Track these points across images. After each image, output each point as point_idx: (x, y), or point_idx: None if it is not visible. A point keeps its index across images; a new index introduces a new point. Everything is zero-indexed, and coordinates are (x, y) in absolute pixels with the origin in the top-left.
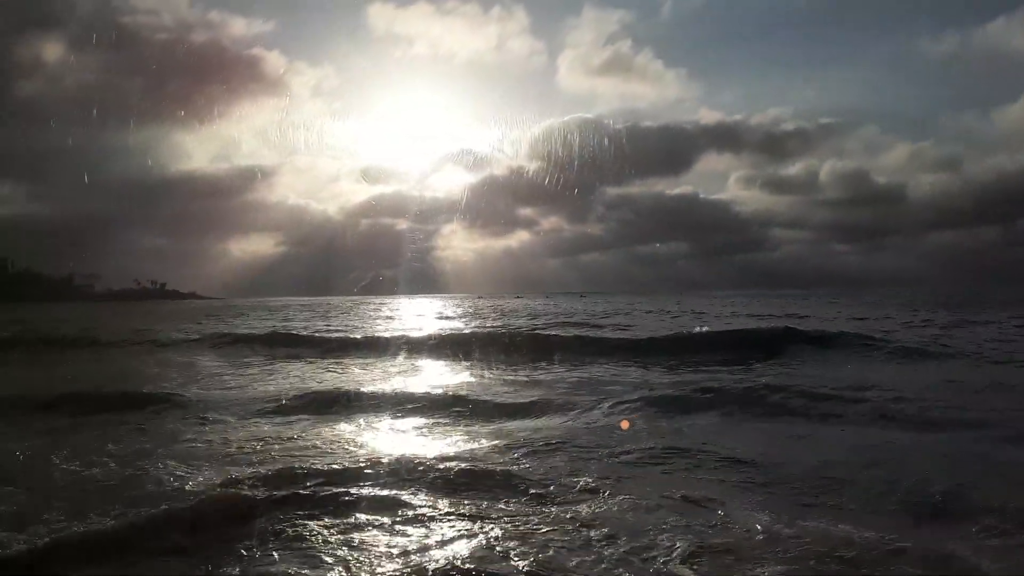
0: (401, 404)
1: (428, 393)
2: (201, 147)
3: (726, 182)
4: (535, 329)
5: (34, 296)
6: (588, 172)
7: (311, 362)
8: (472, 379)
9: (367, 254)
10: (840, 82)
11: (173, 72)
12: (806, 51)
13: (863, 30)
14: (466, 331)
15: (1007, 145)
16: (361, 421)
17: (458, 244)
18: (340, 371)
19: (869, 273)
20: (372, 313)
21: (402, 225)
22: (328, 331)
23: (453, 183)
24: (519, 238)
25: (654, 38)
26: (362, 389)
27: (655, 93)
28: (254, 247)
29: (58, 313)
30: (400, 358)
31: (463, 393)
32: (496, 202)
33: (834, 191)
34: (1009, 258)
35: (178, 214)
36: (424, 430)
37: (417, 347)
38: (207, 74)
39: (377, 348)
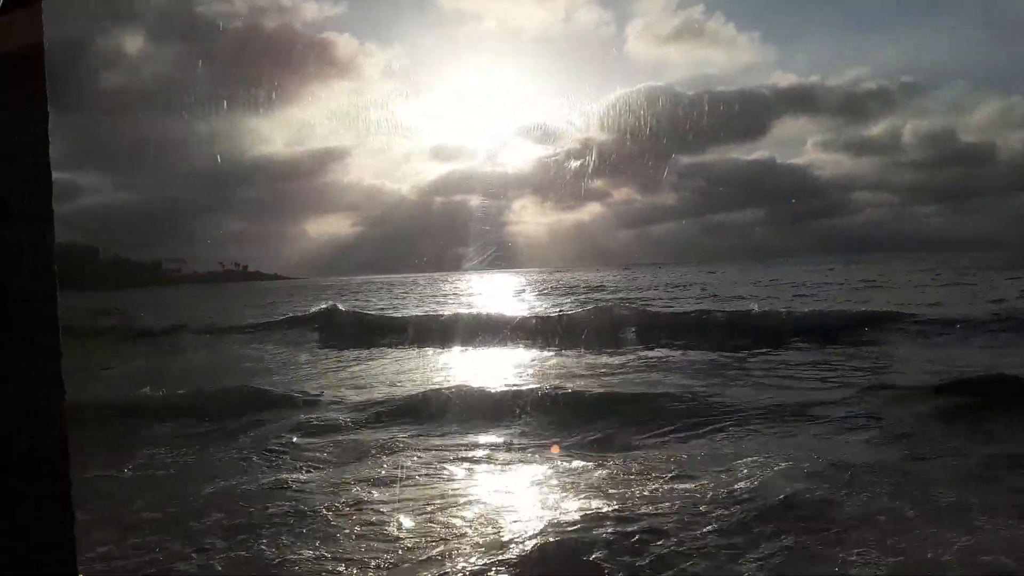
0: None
1: None
2: (277, 131)
3: (803, 146)
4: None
5: (124, 282)
6: (660, 141)
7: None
8: None
9: (441, 231)
10: (923, 38)
11: (248, 58)
12: (885, 7)
13: None
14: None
15: None
16: None
17: (529, 218)
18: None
19: (956, 236)
20: (474, 289)
21: (474, 202)
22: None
23: (523, 158)
24: (590, 211)
25: (726, 2)
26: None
27: (728, 58)
28: (331, 228)
29: (149, 298)
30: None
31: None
32: (566, 175)
33: (918, 152)
34: None
35: (257, 198)
36: None
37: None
38: (280, 59)
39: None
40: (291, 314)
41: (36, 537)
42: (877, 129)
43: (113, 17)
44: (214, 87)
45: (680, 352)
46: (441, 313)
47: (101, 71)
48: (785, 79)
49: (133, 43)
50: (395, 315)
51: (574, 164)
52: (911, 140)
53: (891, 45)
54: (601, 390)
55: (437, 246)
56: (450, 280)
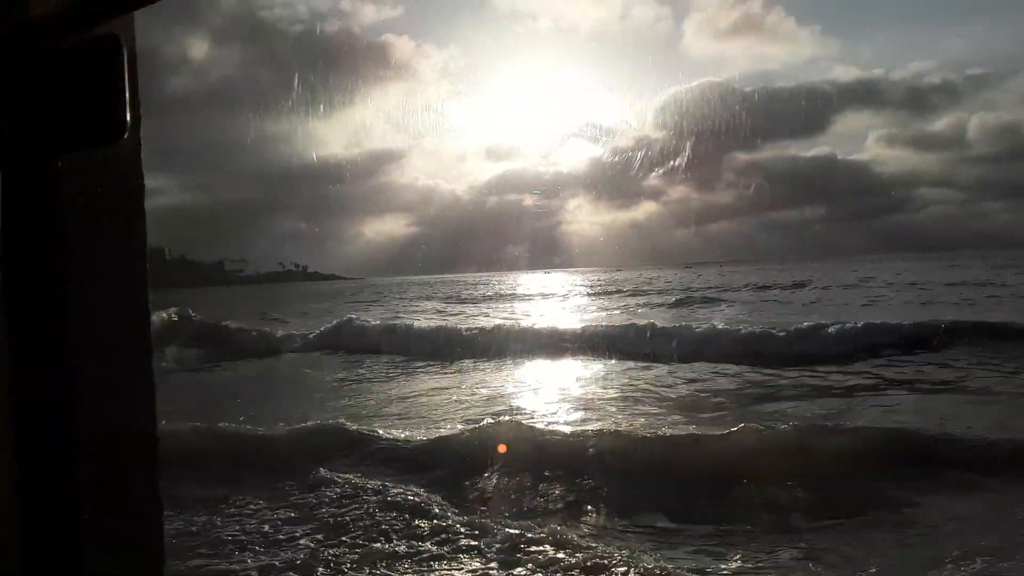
0: None
1: None
2: (335, 133)
3: (865, 142)
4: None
5: (189, 282)
6: (716, 138)
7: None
8: None
9: (495, 231)
10: (990, 29)
11: (308, 61)
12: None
13: None
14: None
15: None
16: None
17: (584, 218)
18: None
19: None
20: (543, 291)
21: (528, 201)
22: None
23: (578, 157)
24: (646, 209)
25: None
26: None
27: (788, 52)
28: (388, 228)
29: (216, 296)
30: None
31: None
32: (621, 173)
33: (985, 146)
34: None
35: (316, 199)
36: None
37: None
38: (339, 61)
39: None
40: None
41: (128, 535)
42: (941, 123)
43: (180, 22)
44: (275, 90)
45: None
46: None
47: (166, 76)
48: (847, 73)
49: (198, 47)
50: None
51: (629, 162)
52: (977, 134)
53: (955, 37)
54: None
55: (491, 246)
56: (501, 281)
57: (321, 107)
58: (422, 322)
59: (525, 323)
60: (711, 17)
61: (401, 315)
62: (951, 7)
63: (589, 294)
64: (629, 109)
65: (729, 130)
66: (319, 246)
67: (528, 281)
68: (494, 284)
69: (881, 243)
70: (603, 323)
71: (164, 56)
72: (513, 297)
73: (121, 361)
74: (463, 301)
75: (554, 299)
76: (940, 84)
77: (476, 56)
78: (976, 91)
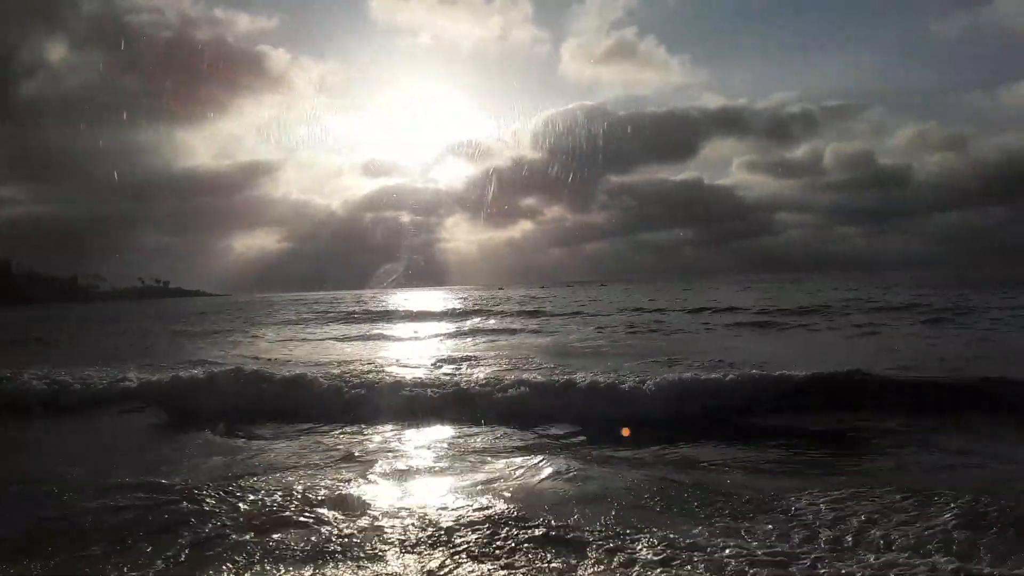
0: None
1: None
2: (204, 144)
3: (730, 167)
4: None
5: (39, 298)
6: (591, 160)
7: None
8: None
9: (371, 248)
10: (846, 64)
11: (177, 70)
12: (811, 34)
13: (870, 11)
14: None
15: (1014, 123)
16: None
17: (461, 236)
18: None
19: (875, 255)
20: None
21: (405, 218)
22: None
23: (456, 175)
24: (522, 228)
25: (658, 24)
26: None
27: (659, 79)
28: (258, 243)
29: (54, 313)
30: None
31: None
32: (499, 193)
33: (839, 174)
34: (1016, 237)
35: (181, 212)
36: None
37: None
38: (211, 71)
39: None
40: None
41: None
42: (800, 151)
43: (38, 25)
44: (141, 98)
45: None
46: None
47: (21, 80)
48: (714, 101)
49: (57, 51)
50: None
51: (506, 182)
52: (832, 162)
53: (815, 70)
54: None
55: (368, 263)
56: (373, 298)
57: (189, 117)
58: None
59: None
60: (587, 42)
61: (218, 337)
62: (812, 39)
63: (457, 314)
64: (507, 129)
65: (603, 153)
66: (184, 261)
67: (400, 300)
68: (365, 302)
69: (745, 265)
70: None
71: (17, 59)
72: (370, 317)
73: None
74: (326, 320)
75: (411, 322)
76: (800, 114)
77: (355, 70)
78: (832, 122)
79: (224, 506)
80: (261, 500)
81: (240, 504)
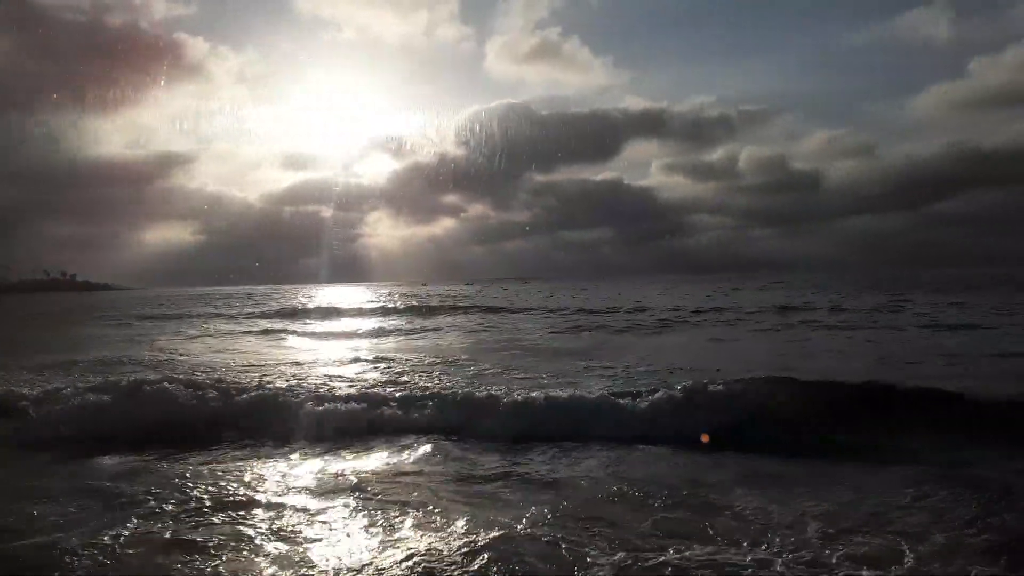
0: None
1: None
2: (116, 133)
3: (650, 168)
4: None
5: None
6: (514, 159)
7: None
8: None
9: (290, 242)
10: (762, 71)
11: (87, 55)
12: (730, 40)
13: (786, 20)
14: None
15: (918, 132)
16: None
17: (383, 231)
18: None
19: (788, 257)
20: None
21: (326, 213)
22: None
23: (379, 170)
24: (444, 225)
25: (582, 25)
26: None
27: (583, 80)
28: (172, 235)
29: None
30: None
31: None
32: (422, 189)
33: (754, 177)
34: (920, 241)
35: (91, 202)
36: None
37: None
38: (124, 58)
39: None
40: None
41: None
42: (717, 154)
43: None
44: (48, 83)
45: None
46: None
47: None
48: (636, 104)
49: None
50: None
51: (430, 178)
52: (748, 166)
53: (733, 75)
54: None
55: (287, 257)
56: (289, 294)
57: (101, 104)
58: None
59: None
60: (512, 41)
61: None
62: (731, 45)
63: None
64: (431, 124)
65: (526, 151)
66: (93, 253)
67: (318, 295)
68: (280, 298)
69: (664, 264)
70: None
71: None
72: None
73: None
74: (234, 318)
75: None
76: (717, 117)
77: (276, 62)
78: (748, 126)
79: None
80: None
81: None
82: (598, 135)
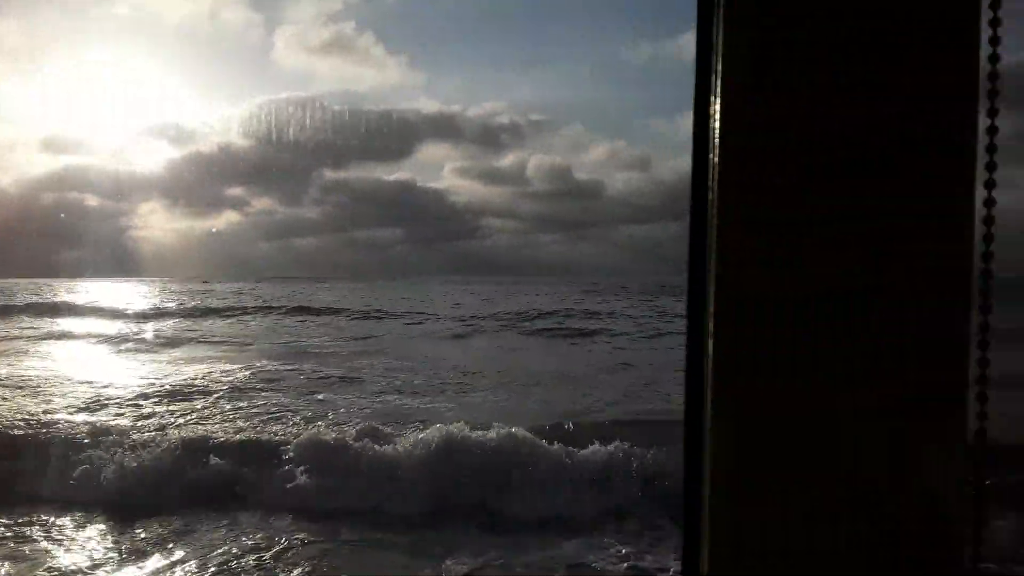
0: None
1: None
2: None
3: (442, 171)
4: None
5: None
6: (303, 153)
7: None
8: None
9: (50, 233)
10: (550, 81)
11: None
12: (520, 49)
13: (572, 33)
14: None
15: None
16: None
17: (157, 224)
18: None
19: (573, 261)
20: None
21: (92, 202)
22: None
23: (154, 158)
24: (227, 219)
25: (377, 22)
26: None
27: (377, 78)
28: None
29: None
30: None
31: None
32: (202, 180)
33: (541, 184)
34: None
35: None
36: None
37: None
38: None
39: None
40: None
41: None
42: (507, 160)
43: None
44: None
45: None
46: None
47: None
48: (429, 105)
49: None
50: None
51: (211, 169)
52: (535, 173)
53: (523, 84)
54: None
55: (45, 248)
56: (53, 289)
57: None
58: None
59: None
60: (303, 31)
61: None
62: (521, 54)
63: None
64: (214, 113)
65: (317, 146)
66: None
67: (76, 291)
68: (28, 293)
69: (454, 266)
70: None
71: None
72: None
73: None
74: None
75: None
76: (508, 124)
77: (38, 34)
78: (537, 134)
79: None
80: None
81: None
82: (392, 134)
